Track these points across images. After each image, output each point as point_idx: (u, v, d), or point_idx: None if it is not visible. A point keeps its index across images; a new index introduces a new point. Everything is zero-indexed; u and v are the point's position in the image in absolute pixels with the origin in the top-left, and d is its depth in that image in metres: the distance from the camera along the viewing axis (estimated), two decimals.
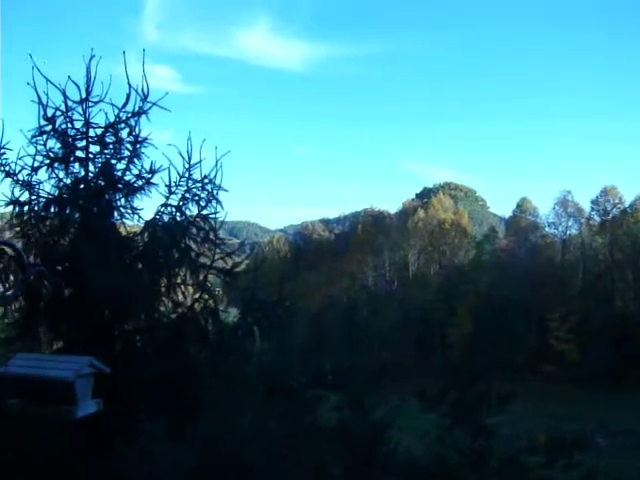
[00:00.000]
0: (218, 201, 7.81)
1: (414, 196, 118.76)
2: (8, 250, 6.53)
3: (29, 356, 4.43)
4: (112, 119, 7.54)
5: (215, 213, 7.80)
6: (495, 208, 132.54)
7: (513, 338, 71.06)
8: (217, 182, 7.81)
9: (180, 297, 8.05)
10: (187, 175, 7.74)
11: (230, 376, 8.04)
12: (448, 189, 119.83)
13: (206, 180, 7.79)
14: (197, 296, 7.78)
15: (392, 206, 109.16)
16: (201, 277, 7.94)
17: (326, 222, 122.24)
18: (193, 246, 7.88)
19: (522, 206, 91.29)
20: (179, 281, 7.96)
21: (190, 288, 8.02)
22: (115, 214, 7.70)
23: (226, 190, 7.87)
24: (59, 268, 7.38)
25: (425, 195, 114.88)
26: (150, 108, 7.56)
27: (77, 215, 7.59)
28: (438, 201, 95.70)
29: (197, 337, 8.01)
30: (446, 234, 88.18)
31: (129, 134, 7.62)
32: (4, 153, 7.45)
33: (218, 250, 7.86)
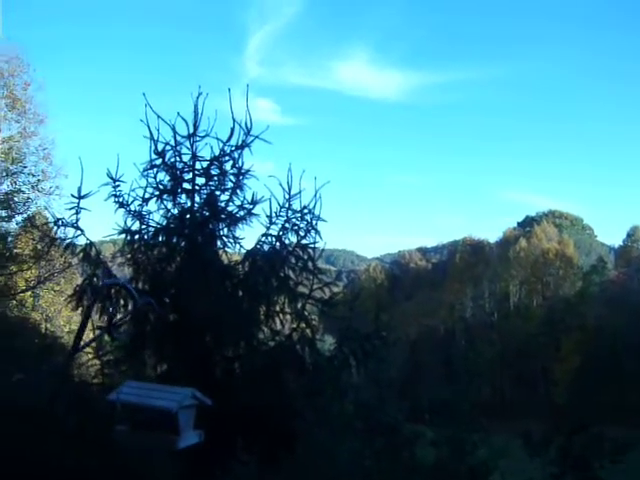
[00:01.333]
0: (317, 231, 7.88)
1: (515, 225, 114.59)
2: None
3: (138, 384, 4.56)
4: (217, 152, 7.86)
5: (314, 243, 7.86)
6: (604, 237, 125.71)
7: (626, 377, 65.92)
8: (316, 212, 7.90)
9: (278, 325, 8.13)
10: (287, 205, 7.89)
11: (326, 409, 7.96)
12: (552, 217, 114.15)
13: (305, 210, 7.90)
14: (295, 325, 7.80)
15: (492, 235, 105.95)
16: (299, 306, 7.98)
17: (423, 251, 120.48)
18: (292, 275, 7.95)
19: (633, 235, 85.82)
20: (277, 309, 8.05)
21: (288, 316, 8.09)
22: (218, 243, 7.96)
23: (325, 220, 7.94)
24: (165, 298, 7.66)
25: (527, 224, 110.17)
26: (252, 141, 7.81)
27: (183, 244, 7.88)
28: (541, 230, 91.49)
29: (294, 366, 8.01)
30: (550, 264, 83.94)
31: (232, 166, 7.89)
32: (118, 185, 7.97)
33: (316, 279, 7.87)
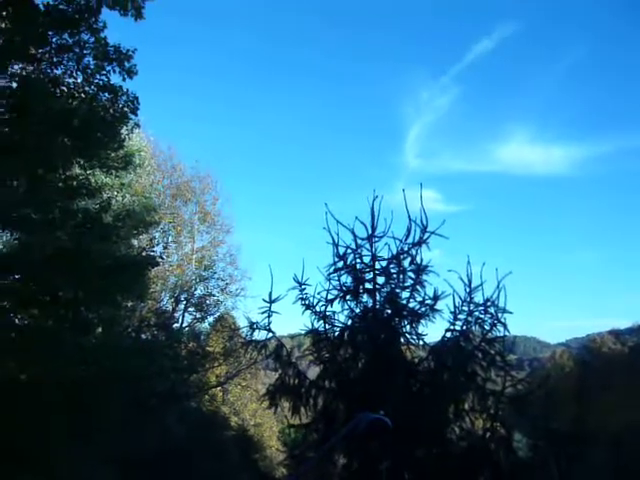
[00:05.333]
0: (503, 324, 7.58)
1: None
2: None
3: None
4: (394, 251, 8.09)
5: (503, 337, 7.56)
6: None
7: None
8: (500, 304, 7.64)
9: (468, 424, 7.80)
10: (469, 299, 7.76)
11: None
12: None
13: (489, 303, 7.69)
14: (488, 425, 7.43)
15: None
16: (489, 403, 7.64)
17: (616, 333, 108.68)
18: (479, 371, 7.68)
19: None
20: (467, 408, 7.76)
21: (479, 415, 7.74)
22: (401, 340, 8.01)
23: (511, 312, 7.64)
24: (352, 397, 7.78)
25: None
26: (429, 237, 7.93)
27: (367, 342, 8.05)
28: None
29: (489, 469, 7.57)
30: None
31: (411, 263, 8.03)
32: (304, 288, 8.47)
33: (508, 377, 7.50)
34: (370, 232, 8.14)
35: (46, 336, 10.27)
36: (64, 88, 10.51)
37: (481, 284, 7.73)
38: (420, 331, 7.93)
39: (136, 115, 11.25)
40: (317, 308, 8.40)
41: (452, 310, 7.69)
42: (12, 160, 9.41)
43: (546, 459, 7.49)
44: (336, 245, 8.26)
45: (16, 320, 11.29)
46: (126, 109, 10.84)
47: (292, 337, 11.17)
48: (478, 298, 7.78)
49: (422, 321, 7.89)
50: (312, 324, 8.37)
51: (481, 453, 7.34)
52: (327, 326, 8.39)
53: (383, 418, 2.14)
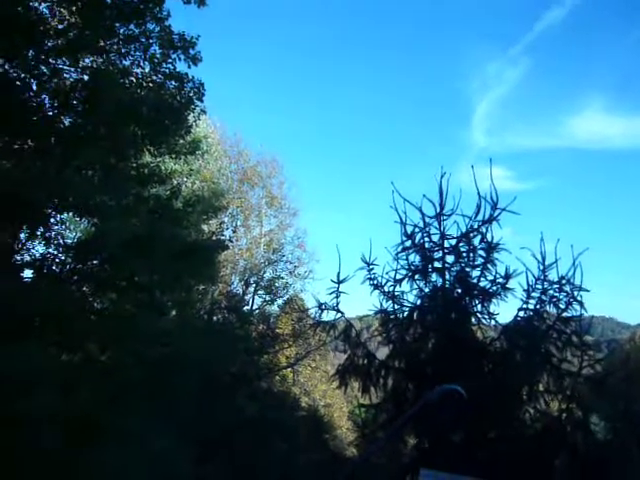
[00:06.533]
0: (580, 302, 7.26)
1: None
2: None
3: (430, 473, 4.55)
4: (464, 229, 7.89)
5: (580, 316, 7.25)
6: None
7: None
8: (576, 282, 7.33)
9: (543, 405, 7.58)
10: (542, 277, 7.49)
11: None
12: None
13: (564, 281, 7.39)
14: (564, 406, 7.19)
15: None
16: (565, 384, 7.38)
17: None
18: (554, 351, 7.42)
19: None
20: (541, 389, 7.53)
21: (554, 396, 7.50)
22: (472, 320, 7.84)
23: (587, 290, 7.31)
24: (423, 377, 7.71)
25: None
26: (500, 214, 7.68)
27: (437, 322, 7.94)
28: None
29: (565, 452, 7.33)
30: None
31: (481, 241, 7.82)
32: (372, 268, 8.41)
33: (585, 356, 7.21)
34: (438, 210, 7.98)
35: (124, 319, 10.68)
36: (132, 79, 10.82)
37: (555, 261, 7.45)
38: (491, 310, 7.76)
39: (202, 102, 11.46)
40: (385, 288, 8.35)
41: (525, 288, 7.44)
42: (87, 150, 9.78)
43: (626, 442, 7.12)
44: (404, 224, 8.15)
45: (95, 304, 11.80)
46: (192, 96, 11.05)
47: (360, 319, 11.17)
48: (552, 276, 7.51)
49: (493, 300, 7.71)
50: (381, 304, 8.34)
51: (557, 435, 7.11)
52: (396, 306, 8.33)
53: (458, 388, 2.07)
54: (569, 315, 7.40)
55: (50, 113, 10.15)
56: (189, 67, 10.97)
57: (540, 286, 7.50)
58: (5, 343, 8.05)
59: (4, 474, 7.52)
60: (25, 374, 7.71)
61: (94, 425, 8.43)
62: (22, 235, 10.95)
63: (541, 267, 7.49)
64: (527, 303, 7.48)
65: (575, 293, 7.34)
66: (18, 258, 10.88)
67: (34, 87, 9.95)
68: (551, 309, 7.50)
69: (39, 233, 10.82)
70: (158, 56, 10.64)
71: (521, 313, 7.53)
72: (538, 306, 7.50)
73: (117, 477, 8.47)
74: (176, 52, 10.67)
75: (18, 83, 9.64)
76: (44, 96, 10.08)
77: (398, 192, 8.02)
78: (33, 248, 11.25)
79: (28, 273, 10.94)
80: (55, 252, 10.91)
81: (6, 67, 9.59)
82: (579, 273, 7.31)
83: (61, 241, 11.26)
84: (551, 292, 7.50)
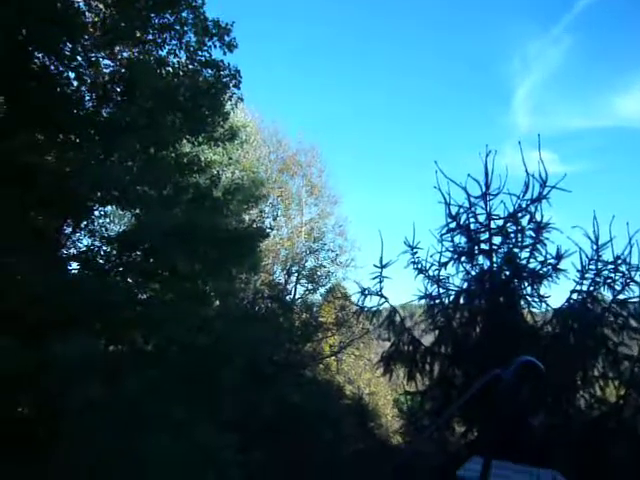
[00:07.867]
0: (638, 283, 6.86)
1: None
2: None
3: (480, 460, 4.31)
4: (511, 209, 7.56)
5: (638, 297, 6.85)
6: None
7: None
8: (633, 262, 6.92)
9: (598, 391, 7.23)
10: (596, 257, 7.10)
11: None
12: None
13: (619, 261, 6.99)
14: (622, 392, 6.84)
15: None
16: (623, 368, 7.02)
17: None
18: (610, 335, 7.06)
19: None
20: (597, 374, 7.18)
21: (610, 381, 7.15)
22: (521, 303, 7.52)
23: None
24: (471, 363, 7.46)
25: None
26: (550, 192, 7.31)
27: (485, 306, 7.65)
28: None
29: (623, 439, 6.98)
30: None
31: (530, 221, 7.47)
32: (416, 252, 8.17)
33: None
34: (484, 189, 7.66)
35: (168, 308, 10.74)
36: (169, 68, 10.80)
37: (610, 240, 7.02)
38: (542, 293, 7.40)
39: (239, 88, 11.37)
40: (430, 272, 8.09)
41: (578, 269, 7.07)
42: (126, 140, 9.81)
43: None
44: (448, 205, 7.86)
45: (140, 295, 11.92)
46: (229, 82, 10.97)
47: (404, 306, 10.93)
48: (607, 256, 7.10)
49: (544, 282, 7.35)
50: (425, 289, 8.09)
51: (614, 421, 6.77)
52: (441, 290, 8.07)
53: (535, 361, 1.84)
54: (626, 297, 7.00)
55: (89, 105, 10.23)
56: (224, 54, 10.89)
57: (594, 267, 7.11)
58: (54, 335, 8.18)
59: (55, 462, 7.65)
60: (73, 364, 7.81)
61: (140, 414, 8.50)
62: (67, 229, 11.12)
63: (594, 247, 7.10)
64: (581, 285, 7.10)
65: (632, 274, 6.94)
66: (64, 252, 11.07)
67: (73, 81, 10.04)
68: (606, 291, 7.12)
69: (83, 226, 10.97)
70: (193, 44, 10.59)
71: (574, 295, 7.15)
72: (592, 288, 7.12)
73: (163, 465, 8.53)
74: (211, 39, 10.59)
75: (57, 77, 9.74)
76: (83, 89, 10.16)
77: (442, 171, 7.74)
78: (78, 241, 11.43)
79: (74, 265, 11.13)
80: (99, 244, 11.05)
81: (46, 62, 9.68)
82: (636, 252, 6.90)
83: (105, 233, 11.40)
84: (606, 273, 7.10)
